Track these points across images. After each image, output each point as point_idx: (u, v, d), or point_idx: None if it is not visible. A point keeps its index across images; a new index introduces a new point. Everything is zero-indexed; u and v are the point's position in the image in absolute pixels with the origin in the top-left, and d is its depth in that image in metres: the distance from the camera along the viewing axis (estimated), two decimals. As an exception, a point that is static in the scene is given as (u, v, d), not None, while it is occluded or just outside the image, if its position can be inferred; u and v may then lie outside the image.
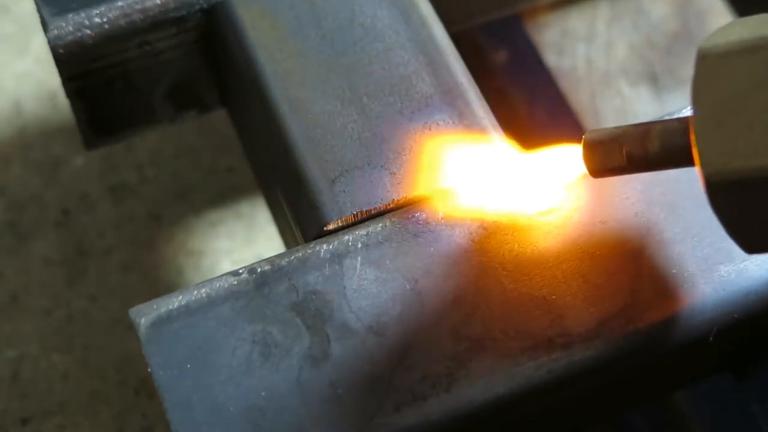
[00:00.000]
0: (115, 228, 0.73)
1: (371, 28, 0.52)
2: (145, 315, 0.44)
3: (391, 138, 0.48)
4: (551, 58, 0.69)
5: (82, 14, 0.52)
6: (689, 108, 0.40)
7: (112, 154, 0.76)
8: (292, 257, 0.45)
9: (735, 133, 0.37)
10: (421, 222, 0.46)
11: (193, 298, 0.44)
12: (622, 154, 0.42)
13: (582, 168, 0.44)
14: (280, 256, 0.46)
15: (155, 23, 0.53)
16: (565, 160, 0.46)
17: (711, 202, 0.39)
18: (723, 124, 0.38)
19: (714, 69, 0.38)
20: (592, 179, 0.47)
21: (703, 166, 0.38)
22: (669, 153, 0.41)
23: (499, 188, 0.47)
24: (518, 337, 0.44)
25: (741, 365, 0.55)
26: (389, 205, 0.47)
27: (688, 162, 0.40)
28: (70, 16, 0.52)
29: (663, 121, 0.42)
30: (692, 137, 0.39)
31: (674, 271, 0.45)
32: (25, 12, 0.83)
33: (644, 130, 0.42)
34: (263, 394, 0.42)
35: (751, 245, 0.40)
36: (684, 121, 0.41)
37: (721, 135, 0.38)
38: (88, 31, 0.52)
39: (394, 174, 0.48)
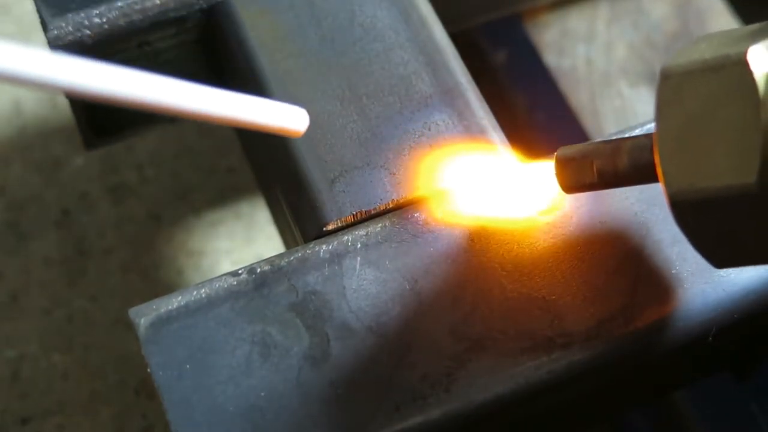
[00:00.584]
0: (115, 228, 0.73)
1: (371, 28, 0.52)
2: (144, 315, 0.44)
3: (391, 138, 0.48)
4: (551, 58, 0.69)
5: (82, 14, 0.52)
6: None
7: (112, 154, 0.76)
8: (292, 257, 0.45)
9: (697, 153, 0.37)
10: (420, 222, 0.46)
11: (193, 298, 0.44)
12: (593, 170, 0.42)
13: (554, 184, 0.44)
14: (279, 256, 0.46)
15: (155, 23, 0.53)
16: (542, 176, 0.46)
17: (676, 220, 0.39)
18: (686, 144, 0.38)
19: (677, 88, 0.38)
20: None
21: (666, 186, 0.38)
22: (638, 169, 0.42)
23: (498, 188, 0.47)
24: (518, 337, 0.44)
25: (741, 365, 0.55)
26: (389, 205, 0.47)
27: (656, 177, 0.40)
28: (70, 16, 0.52)
29: (632, 137, 0.42)
30: (656, 156, 0.39)
31: (674, 271, 0.45)
32: (25, 12, 0.83)
33: (614, 146, 0.42)
34: (263, 394, 0.42)
35: (719, 260, 0.41)
36: (650, 137, 0.41)
37: (684, 155, 0.38)
38: (88, 32, 0.52)
39: (394, 174, 0.48)
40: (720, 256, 0.40)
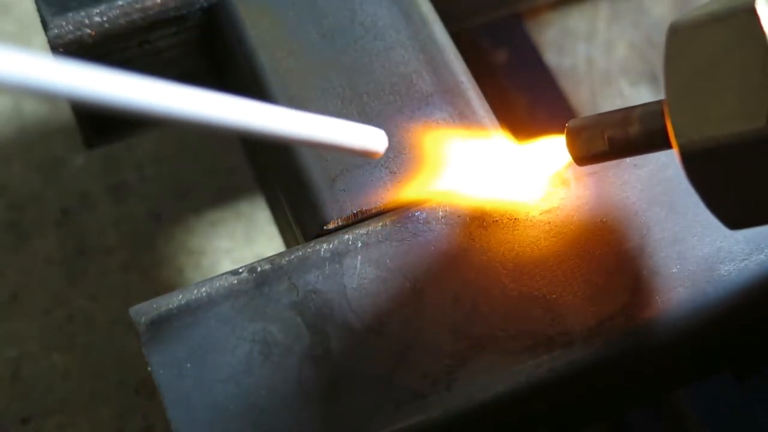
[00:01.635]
0: (115, 227, 0.73)
1: (371, 26, 0.52)
2: (145, 314, 0.44)
3: (392, 137, 0.48)
4: (552, 57, 0.69)
5: (82, 13, 0.52)
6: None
7: (113, 153, 0.76)
8: (293, 256, 0.45)
9: (706, 102, 0.37)
10: (421, 221, 0.46)
11: (194, 296, 0.44)
12: (604, 139, 0.42)
13: (567, 157, 0.44)
14: (280, 255, 0.46)
15: (155, 22, 0.53)
16: (551, 150, 0.46)
17: (688, 175, 0.39)
18: (694, 94, 0.38)
19: (684, 42, 0.38)
20: (591, 178, 0.47)
21: (676, 137, 0.38)
22: (649, 135, 0.41)
23: (499, 187, 0.47)
24: (518, 336, 0.44)
25: (741, 365, 0.55)
26: (389, 204, 0.47)
27: (668, 143, 0.40)
28: (70, 15, 0.52)
29: (643, 105, 0.42)
30: (667, 119, 0.39)
31: (674, 270, 0.45)
32: (26, 11, 0.83)
33: (625, 114, 0.42)
34: (263, 393, 0.42)
35: (733, 220, 0.40)
36: (661, 103, 0.41)
37: (693, 105, 0.38)
38: (88, 30, 0.52)
39: (395, 173, 0.47)
40: (734, 215, 0.40)
